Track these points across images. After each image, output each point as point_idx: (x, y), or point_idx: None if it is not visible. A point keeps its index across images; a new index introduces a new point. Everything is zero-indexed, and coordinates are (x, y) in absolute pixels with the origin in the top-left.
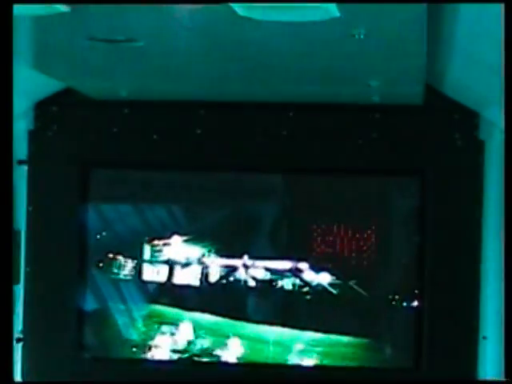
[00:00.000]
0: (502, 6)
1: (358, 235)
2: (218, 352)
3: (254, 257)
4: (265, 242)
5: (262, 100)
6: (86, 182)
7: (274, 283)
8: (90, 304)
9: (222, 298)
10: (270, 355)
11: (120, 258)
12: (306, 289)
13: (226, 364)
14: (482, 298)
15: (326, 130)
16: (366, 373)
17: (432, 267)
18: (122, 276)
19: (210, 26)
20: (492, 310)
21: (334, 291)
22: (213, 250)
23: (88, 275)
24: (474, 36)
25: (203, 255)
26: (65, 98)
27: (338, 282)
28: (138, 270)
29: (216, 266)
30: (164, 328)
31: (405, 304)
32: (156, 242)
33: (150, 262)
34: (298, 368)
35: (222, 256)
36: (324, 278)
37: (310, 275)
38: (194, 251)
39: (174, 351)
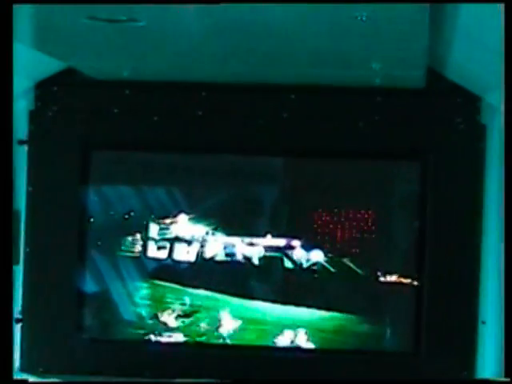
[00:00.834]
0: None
1: (357, 218)
2: (217, 331)
3: (254, 234)
4: (265, 224)
5: (264, 82)
6: (87, 163)
7: (273, 261)
8: (89, 285)
9: (225, 276)
10: (264, 333)
11: (123, 237)
12: (303, 267)
13: (226, 346)
14: (481, 283)
15: (327, 113)
16: (364, 357)
17: (431, 252)
18: (125, 254)
19: (212, 6)
20: (491, 295)
21: (333, 269)
22: (219, 229)
23: (88, 256)
24: (477, 19)
25: (207, 233)
26: (66, 78)
27: (336, 260)
28: (142, 248)
29: (218, 244)
30: (165, 308)
31: (403, 288)
32: (161, 221)
33: (154, 239)
34: (293, 350)
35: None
36: (320, 257)
37: (306, 254)
38: (199, 229)
39: (175, 330)
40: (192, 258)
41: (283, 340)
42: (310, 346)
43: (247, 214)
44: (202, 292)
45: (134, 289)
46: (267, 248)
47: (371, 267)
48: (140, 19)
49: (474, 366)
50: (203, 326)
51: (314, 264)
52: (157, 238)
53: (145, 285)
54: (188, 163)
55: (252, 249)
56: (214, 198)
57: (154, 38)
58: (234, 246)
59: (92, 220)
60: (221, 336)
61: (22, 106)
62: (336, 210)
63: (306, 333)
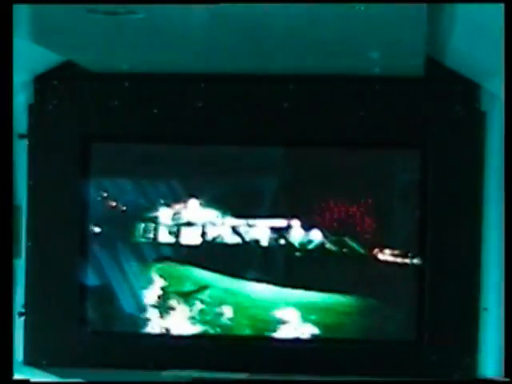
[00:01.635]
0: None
1: (358, 208)
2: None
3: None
4: (265, 214)
5: (263, 73)
6: (87, 156)
7: (277, 242)
8: (91, 278)
9: (231, 258)
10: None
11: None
12: (304, 247)
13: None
14: (482, 270)
15: (326, 103)
16: (366, 345)
17: (432, 240)
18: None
19: None
20: (493, 282)
21: (334, 248)
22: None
23: (90, 249)
24: (475, 7)
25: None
26: (65, 71)
27: (335, 240)
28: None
29: (223, 227)
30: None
31: (405, 274)
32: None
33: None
34: (294, 341)
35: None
36: (319, 236)
37: (306, 234)
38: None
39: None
40: (198, 241)
41: (282, 320)
42: (309, 329)
43: (247, 204)
44: (208, 274)
45: (136, 281)
46: (270, 229)
47: (371, 251)
48: (138, 12)
49: (476, 353)
50: (207, 310)
51: (314, 244)
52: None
53: (152, 270)
54: (188, 155)
55: (255, 230)
56: (214, 189)
57: (153, 31)
58: (237, 228)
59: (93, 212)
60: (224, 322)
61: (21, 100)
62: (336, 200)
63: (306, 314)
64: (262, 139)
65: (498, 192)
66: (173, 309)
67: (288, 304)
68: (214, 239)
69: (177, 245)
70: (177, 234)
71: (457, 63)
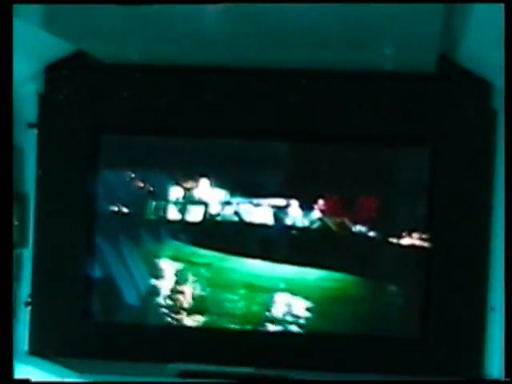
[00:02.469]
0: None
1: (364, 204)
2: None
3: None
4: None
5: (275, 66)
6: (96, 147)
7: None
8: (97, 270)
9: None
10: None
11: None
12: (305, 226)
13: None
14: (490, 269)
15: (337, 98)
16: (368, 341)
17: (439, 237)
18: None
19: None
20: (500, 281)
21: (333, 226)
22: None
23: (97, 241)
24: (489, 6)
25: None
26: (76, 61)
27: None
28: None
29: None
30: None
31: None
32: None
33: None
34: (291, 335)
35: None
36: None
37: (307, 214)
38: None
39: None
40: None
41: (279, 303)
42: (307, 305)
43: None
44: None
45: (140, 273)
46: (272, 207)
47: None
48: (153, 2)
49: (481, 352)
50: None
51: (316, 225)
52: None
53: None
54: (197, 147)
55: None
56: (222, 182)
57: (165, 22)
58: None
59: (101, 204)
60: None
61: (31, 90)
62: (342, 196)
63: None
64: (272, 134)
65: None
66: (181, 292)
67: (287, 282)
68: (216, 218)
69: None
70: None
71: (469, 61)
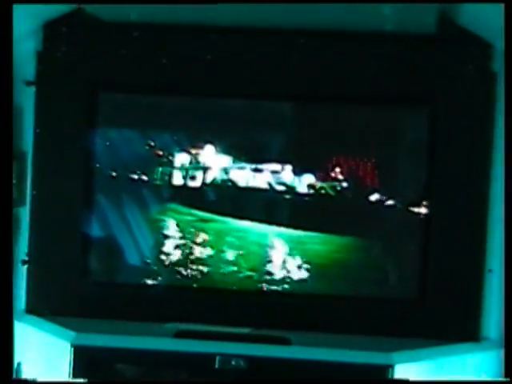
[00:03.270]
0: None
1: (365, 165)
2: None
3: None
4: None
5: (274, 26)
6: (95, 105)
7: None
8: (96, 229)
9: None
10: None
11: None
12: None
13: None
14: (488, 231)
15: (336, 58)
16: (365, 303)
17: (437, 200)
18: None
19: None
20: (498, 244)
21: (330, 190)
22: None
23: (94, 200)
24: None
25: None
26: (74, 18)
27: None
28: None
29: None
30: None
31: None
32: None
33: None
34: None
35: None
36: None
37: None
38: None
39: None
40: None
41: (277, 264)
42: (305, 266)
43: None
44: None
45: (140, 232)
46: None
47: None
48: None
49: (479, 315)
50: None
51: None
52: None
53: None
54: (197, 107)
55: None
56: (221, 142)
57: None
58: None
59: (100, 163)
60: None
61: (29, 47)
62: (344, 157)
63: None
64: (270, 93)
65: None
66: (181, 254)
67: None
68: (216, 182)
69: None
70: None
71: (470, 22)
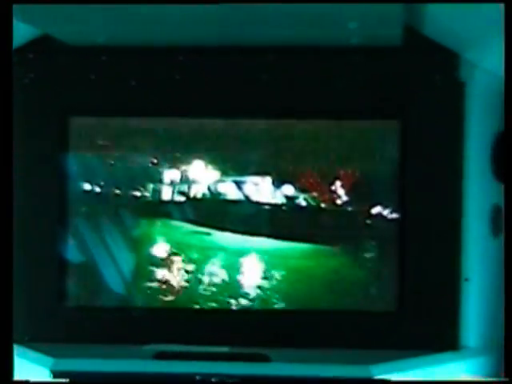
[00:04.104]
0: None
1: (338, 179)
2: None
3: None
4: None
5: (241, 44)
6: (65, 129)
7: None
8: (73, 253)
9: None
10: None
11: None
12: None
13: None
14: (462, 242)
15: (305, 74)
16: (343, 316)
17: (412, 209)
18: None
19: None
20: (474, 252)
21: (308, 201)
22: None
23: (71, 224)
24: None
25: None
26: (41, 44)
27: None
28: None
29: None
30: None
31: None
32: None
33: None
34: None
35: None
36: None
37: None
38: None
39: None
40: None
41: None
42: (282, 279)
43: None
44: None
45: (118, 255)
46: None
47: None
48: None
49: (457, 324)
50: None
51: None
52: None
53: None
54: (166, 128)
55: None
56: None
57: (129, 2)
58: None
59: (75, 186)
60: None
61: None
62: (319, 171)
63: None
64: (241, 111)
65: (478, 160)
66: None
67: (263, 255)
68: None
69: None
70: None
71: (436, 32)
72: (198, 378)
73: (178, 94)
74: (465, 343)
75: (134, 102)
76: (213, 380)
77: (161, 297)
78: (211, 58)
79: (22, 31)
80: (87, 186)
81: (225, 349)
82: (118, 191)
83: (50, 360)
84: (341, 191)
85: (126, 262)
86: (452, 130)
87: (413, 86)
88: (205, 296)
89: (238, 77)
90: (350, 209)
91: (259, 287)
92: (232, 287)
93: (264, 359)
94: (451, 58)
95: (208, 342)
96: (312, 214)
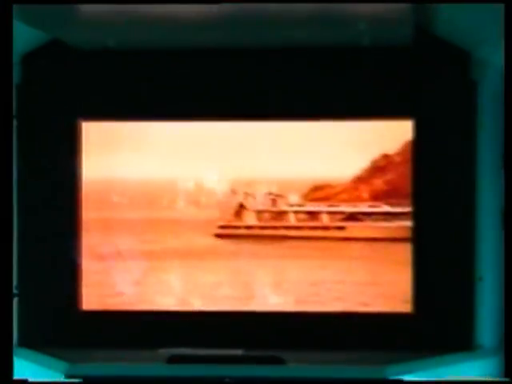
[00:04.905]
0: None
1: (350, 179)
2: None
3: None
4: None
5: (253, 46)
6: (77, 135)
7: None
8: (84, 258)
9: None
10: None
11: None
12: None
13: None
14: (477, 239)
15: (314, 75)
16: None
17: (426, 209)
18: None
19: None
20: (488, 251)
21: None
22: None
23: (82, 229)
24: None
25: None
26: (52, 49)
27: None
28: None
29: None
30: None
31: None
32: None
33: None
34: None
35: None
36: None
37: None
38: None
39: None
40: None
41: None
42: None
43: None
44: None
45: (130, 259)
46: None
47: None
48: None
49: (472, 323)
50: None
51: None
52: None
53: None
54: (183, 131)
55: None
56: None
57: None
58: None
59: (86, 192)
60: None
61: None
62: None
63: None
64: (248, 114)
65: (490, 160)
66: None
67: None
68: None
69: None
70: None
71: (446, 32)
72: (213, 381)
73: (187, 97)
74: (479, 343)
75: (146, 105)
76: (227, 381)
77: (174, 301)
78: (224, 60)
79: (32, 37)
80: (99, 190)
81: (239, 352)
82: (129, 198)
83: (64, 364)
84: (354, 193)
85: (139, 265)
86: (464, 129)
87: (425, 86)
88: (216, 299)
89: (249, 78)
90: (363, 209)
91: (273, 289)
92: (245, 290)
93: (279, 362)
94: (462, 57)
95: (222, 345)
96: (316, 219)
